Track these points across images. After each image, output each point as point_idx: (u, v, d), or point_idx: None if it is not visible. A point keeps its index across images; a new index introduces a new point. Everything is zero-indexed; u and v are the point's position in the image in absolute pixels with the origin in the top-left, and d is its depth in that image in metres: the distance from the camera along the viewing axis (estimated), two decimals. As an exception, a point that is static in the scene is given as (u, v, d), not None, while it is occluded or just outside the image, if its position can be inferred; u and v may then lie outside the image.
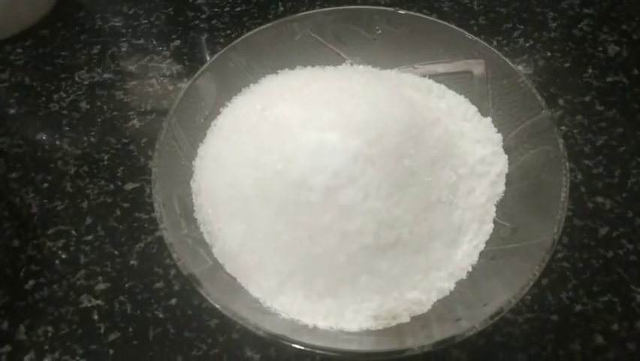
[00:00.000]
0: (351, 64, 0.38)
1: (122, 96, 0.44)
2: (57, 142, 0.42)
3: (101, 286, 0.34)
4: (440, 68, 0.37)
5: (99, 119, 0.43)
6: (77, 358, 0.32)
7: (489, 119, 0.35)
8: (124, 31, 0.49)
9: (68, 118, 0.43)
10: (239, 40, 0.36)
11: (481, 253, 0.30)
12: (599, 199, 0.37)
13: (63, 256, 0.36)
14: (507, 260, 0.29)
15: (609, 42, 0.46)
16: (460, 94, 0.36)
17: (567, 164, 0.29)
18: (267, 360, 0.31)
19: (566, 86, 0.43)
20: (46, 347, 0.32)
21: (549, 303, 0.33)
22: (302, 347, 0.24)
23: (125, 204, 0.38)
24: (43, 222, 0.37)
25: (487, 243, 0.31)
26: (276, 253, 0.29)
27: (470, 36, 0.35)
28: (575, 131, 0.40)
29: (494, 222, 0.31)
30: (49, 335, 0.33)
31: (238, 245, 0.30)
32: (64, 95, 0.44)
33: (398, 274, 0.29)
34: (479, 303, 0.26)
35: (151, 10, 0.50)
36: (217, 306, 0.25)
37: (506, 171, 0.33)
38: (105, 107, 0.44)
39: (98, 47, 0.48)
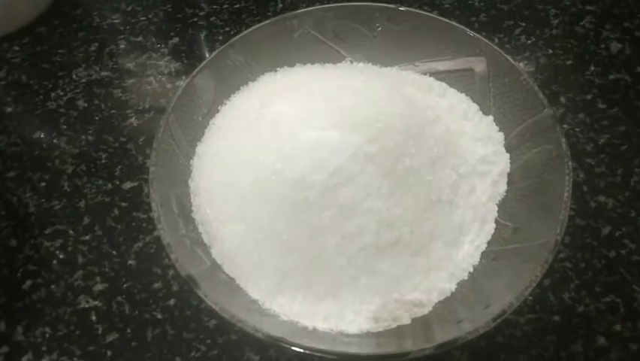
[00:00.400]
0: (351, 61, 0.38)
1: (119, 94, 0.44)
2: (54, 141, 0.41)
3: (99, 286, 0.34)
4: (441, 65, 0.36)
5: (97, 118, 0.42)
6: (75, 359, 0.31)
7: (490, 117, 0.34)
8: (122, 28, 0.49)
9: (66, 116, 0.43)
10: (237, 37, 0.35)
11: (482, 253, 0.30)
12: (602, 198, 0.36)
13: (61, 256, 0.35)
14: (509, 261, 0.29)
15: (612, 39, 0.45)
16: (461, 92, 0.36)
17: (570, 163, 0.28)
18: (267, 361, 0.31)
19: (567, 83, 0.43)
20: (44, 348, 0.32)
21: (551, 304, 0.32)
22: (301, 350, 0.24)
23: (123, 204, 0.38)
24: (41, 221, 0.37)
25: (488, 243, 0.30)
26: (275, 253, 0.29)
27: (472, 33, 0.34)
28: (577, 129, 0.40)
29: (496, 222, 0.31)
30: (47, 335, 0.32)
31: (237, 245, 0.30)
32: (62, 94, 0.44)
33: (398, 275, 0.29)
34: (481, 304, 0.26)
35: (149, 7, 0.50)
36: (215, 308, 0.25)
37: (508, 170, 0.32)
38: (103, 105, 0.43)
39: (96, 44, 0.47)
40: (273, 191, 0.29)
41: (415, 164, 0.29)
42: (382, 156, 0.28)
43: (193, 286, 0.26)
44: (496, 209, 0.31)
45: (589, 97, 0.42)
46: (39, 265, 0.35)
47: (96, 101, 0.43)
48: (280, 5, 0.50)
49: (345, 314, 0.28)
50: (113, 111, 0.43)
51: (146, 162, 0.39)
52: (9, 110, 0.43)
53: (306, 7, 0.37)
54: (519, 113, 0.33)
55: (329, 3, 0.38)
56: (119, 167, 0.39)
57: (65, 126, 0.42)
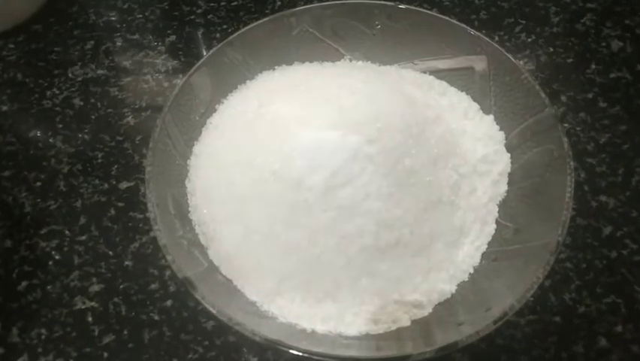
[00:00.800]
0: (350, 60, 0.38)
1: (116, 93, 0.43)
2: (50, 140, 0.41)
3: (95, 287, 0.34)
4: (441, 64, 0.36)
5: (93, 117, 0.42)
6: (71, 361, 0.31)
7: (491, 116, 0.34)
8: (118, 26, 0.48)
9: (62, 115, 0.42)
10: (235, 35, 0.35)
11: (483, 254, 0.30)
12: (603, 198, 0.36)
13: (56, 257, 0.35)
14: (510, 262, 0.28)
15: (612, 37, 0.45)
16: (462, 91, 0.35)
17: (572, 163, 0.28)
18: (265, 363, 0.31)
19: (568, 82, 0.42)
20: (40, 350, 0.32)
21: (552, 304, 0.32)
22: (299, 353, 0.23)
23: (120, 204, 0.37)
24: (37, 221, 0.37)
25: (489, 244, 0.30)
26: (273, 254, 0.28)
27: (472, 31, 0.34)
28: (578, 128, 0.40)
29: (496, 222, 0.31)
30: (43, 337, 0.32)
31: (234, 247, 0.29)
32: (58, 92, 0.44)
33: (398, 276, 0.28)
34: (481, 307, 0.26)
35: (145, 5, 0.50)
36: (212, 310, 0.24)
37: (509, 170, 0.32)
38: (99, 103, 0.43)
39: (92, 42, 0.47)
40: (272, 192, 0.28)
41: (416, 164, 0.29)
42: (382, 156, 0.28)
43: (190, 288, 0.25)
44: (497, 209, 0.31)
45: (590, 96, 0.42)
46: (35, 266, 0.35)
47: (92, 100, 0.43)
48: (278, 3, 0.49)
49: (345, 316, 0.27)
50: (109, 110, 0.42)
51: (142, 161, 0.39)
52: (4, 108, 0.43)
53: (304, 5, 0.37)
54: (520, 112, 0.32)
55: (327, 0, 0.38)
56: (116, 166, 0.39)
57: (61, 125, 0.42)
